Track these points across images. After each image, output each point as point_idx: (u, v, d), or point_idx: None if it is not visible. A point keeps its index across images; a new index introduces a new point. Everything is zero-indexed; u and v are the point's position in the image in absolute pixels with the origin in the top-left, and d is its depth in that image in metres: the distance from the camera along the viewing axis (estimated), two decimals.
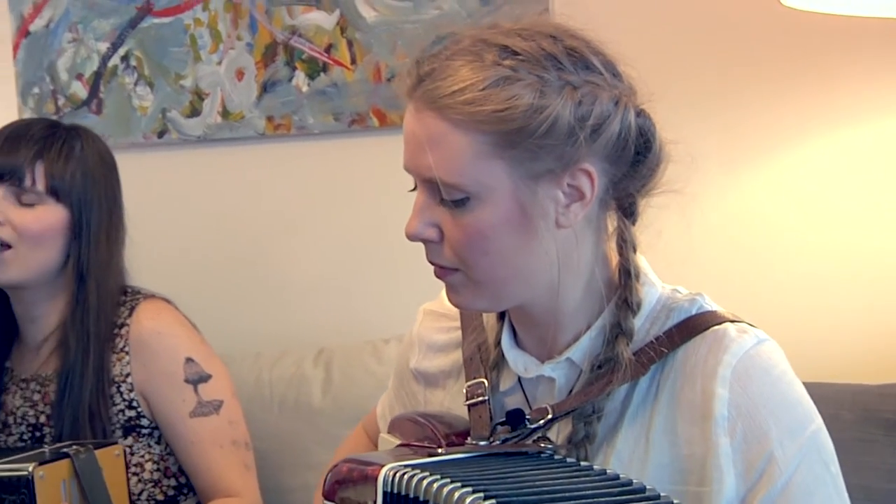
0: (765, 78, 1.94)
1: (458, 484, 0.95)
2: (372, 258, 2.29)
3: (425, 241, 1.13)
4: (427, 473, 0.98)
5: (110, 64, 2.59)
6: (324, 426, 2.00)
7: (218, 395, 1.76)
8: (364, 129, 2.30)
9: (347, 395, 2.01)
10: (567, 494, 0.95)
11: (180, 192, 2.47)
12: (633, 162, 1.11)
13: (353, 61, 2.29)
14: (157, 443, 1.77)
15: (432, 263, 1.15)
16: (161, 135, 2.51)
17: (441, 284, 1.18)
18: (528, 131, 1.05)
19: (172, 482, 1.79)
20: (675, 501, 0.96)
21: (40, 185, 1.71)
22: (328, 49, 2.31)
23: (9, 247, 1.69)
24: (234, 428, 1.77)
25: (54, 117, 2.68)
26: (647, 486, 0.97)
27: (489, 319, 1.24)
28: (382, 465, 1.01)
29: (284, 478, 1.96)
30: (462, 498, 0.93)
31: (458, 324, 1.26)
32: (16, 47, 2.72)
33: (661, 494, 0.96)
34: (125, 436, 1.74)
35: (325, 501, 1.06)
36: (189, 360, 1.75)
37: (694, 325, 1.11)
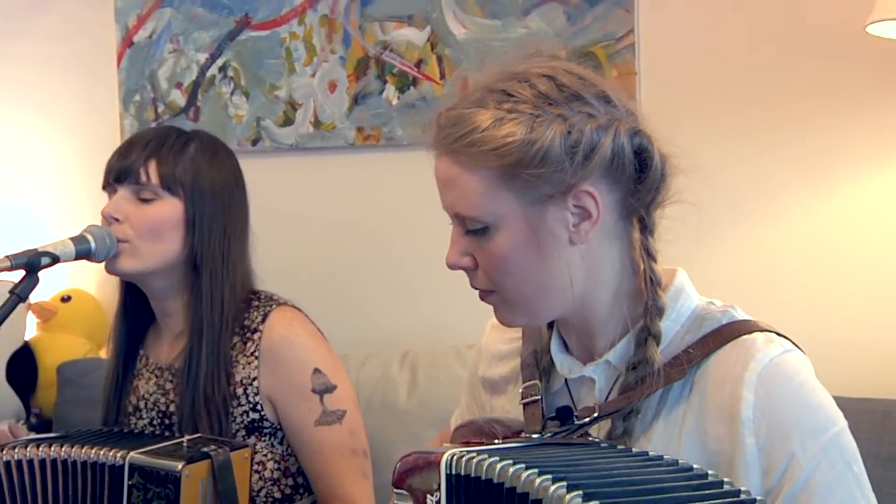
0: (847, 103, 1.98)
1: (522, 465, 1.03)
2: None
3: (462, 269, 1.25)
4: (486, 455, 1.07)
5: (208, 74, 2.72)
6: (409, 426, 2.09)
7: (342, 406, 1.83)
8: None
9: (432, 397, 2.09)
10: (639, 479, 1.03)
11: (272, 197, 2.56)
12: (636, 179, 1.21)
13: (442, 76, 2.38)
14: (280, 443, 1.84)
15: (474, 288, 1.26)
16: (255, 142, 2.63)
17: None
18: (524, 162, 1.17)
19: (290, 482, 1.86)
20: (757, 498, 1.02)
21: (154, 180, 1.80)
22: (418, 64, 2.41)
23: (126, 241, 1.80)
24: (354, 438, 1.84)
25: (154, 124, 2.81)
26: (725, 480, 1.04)
27: (544, 328, 1.34)
28: (444, 452, 1.11)
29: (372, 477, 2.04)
30: (517, 474, 1.02)
31: (520, 334, 1.37)
32: (120, 57, 2.86)
33: (741, 489, 1.03)
34: (248, 435, 1.81)
35: (395, 489, 1.14)
36: (317, 370, 1.82)
37: (725, 334, 1.21)
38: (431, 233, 2.40)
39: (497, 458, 1.06)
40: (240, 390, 1.80)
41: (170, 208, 1.81)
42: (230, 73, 2.68)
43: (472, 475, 1.07)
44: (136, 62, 2.84)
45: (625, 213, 1.22)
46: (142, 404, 1.90)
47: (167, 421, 1.87)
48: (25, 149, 3.09)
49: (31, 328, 2.90)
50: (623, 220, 1.23)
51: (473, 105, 1.20)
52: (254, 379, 1.80)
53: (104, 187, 1.86)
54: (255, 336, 1.81)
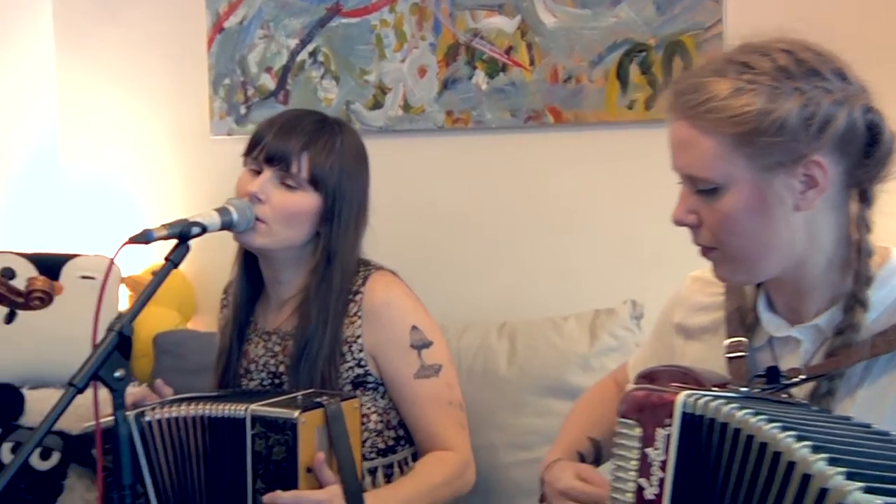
0: None
1: (764, 416, 1.13)
2: (546, 242, 2.49)
3: (687, 226, 1.36)
4: (723, 401, 1.18)
5: (298, 59, 2.84)
6: (509, 393, 2.21)
7: (438, 360, 1.97)
8: (539, 126, 2.50)
9: (531, 366, 2.22)
10: (868, 450, 1.09)
11: None
12: (865, 153, 1.31)
13: (532, 63, 2.49)
14: (382, 397, 1.98)
15: (696, 244, 1.37)
16: None
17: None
18: (760, 131, 1.28)
19: (392, 434, 2.00)
20: None
21: (304, 173, 1.93)
22: (508, 51, 2.52)
23: (263, 222, 1.92)
24: (450, 390, 1.98)
25: (243, 107, 2.94)
26: None
27: (749, 287, 1.45)
28: (677, 392, 1.22)
29: (472, 438, 2.16)
30: (759, 425, 1.12)
31: (722, 289, 1.48)
32: (210, 42, 2.98)
33: None
34: (354, 389, 1.95)
35: (622, 419, 1.25)
36: (414, 327, 1.96)
37: None
38: (518, 211, 2.54)
39: (737, 406, 1.16)
40: (345, 348, 1.94)
41: (310, 201, 1.94)
42: (320, 58, 2.80)
43: (708, 416, 1.18)
44: (225, 47, 2.96)
45: (848, 184, 1.32)
46: (252, 367, 2.04)
47: (276, 381, 2.00)
48: (120, 126, 3.24)
49: (124, 300, 3.04)
50: (845, 191, 1.33)
51: (713, 74, 1.31)
52: (357, 337, 1.94)
53: (247, 154, 1.97)
54: (357, 298, 1.96)
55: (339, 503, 1.74)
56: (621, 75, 2.38)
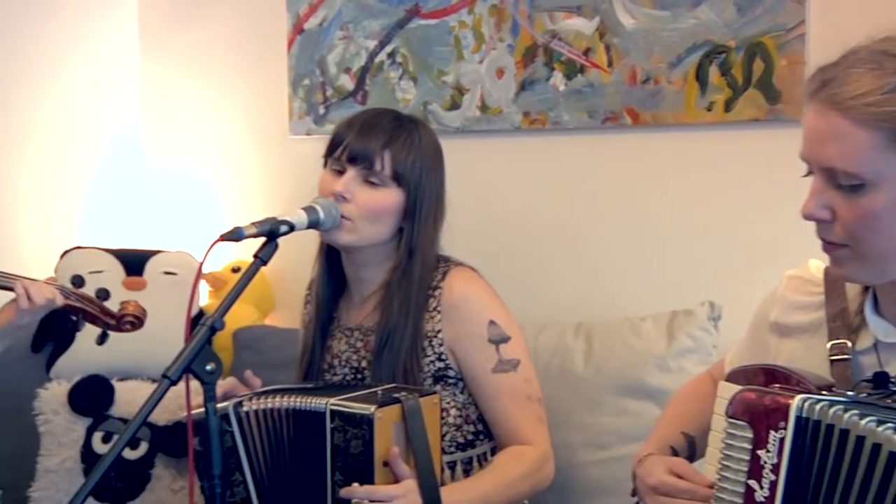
0: None
1: (875, 420, 1.14)
2: (623, 243, 2.51)
3: (818, 220, 1.32)
4: (841, 406, 1.18)
5: (377, 60, 2.88)
6: (585, 392, 2.23)
7: (516, 355, 2.00)
8: (617, 127, 2.51)
9: (608, 365, 2.23)
10: None
11: None
12: None
13: (610, 64, 2.51)
14: (461, 392, 2.01)
15: (822, 239, 1.34)
16: None
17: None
18: None
19: (472, 428, 2.03)
20: None
21: (387, 170, 1.97)
22: (586, 52, 2.54)
23: (349, 219, 1.97)
24: (528, 385, 2.01)
25: (322, 108, 2.99)
26: None
27: (851, 289, 1.43)
28: (794, 396, 1.22)
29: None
30: (888, 434, 1.12)
31: (821, 289, 1.46)
32: (290, 43, 3.04)
33: None
34: (434, 383, 1.99)
35: (730, 419, 1.26)
36: (492, 322, 1.99)
37: None
38: (596, 211, 2.56)
39: (857, 413, 1.16)
40: (426, 342, 1.98)
41: (394, 197, 1.98)
42: (399, 59, 2.84)
43: (827, 422, 1.18)
44: (305, 48, 3.01)
45: None
46: (335, 362, 2.08)
47: (359, 376, 2.04)
48: (203, 123, 3.32)
49: (203, 296, 3.10)
50: None
51: (868, 66, 1.27)
52: (438, 331, 1.98)
53: (329, 154, 2.02)
54: (437, 293, 1.99)
55: (413, 497, 1.77)
56: (700, 77, 2.38)
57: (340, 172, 2.00)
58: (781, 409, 1.22)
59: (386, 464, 1.77)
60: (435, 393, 1.88)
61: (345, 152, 1.99)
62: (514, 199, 2.68)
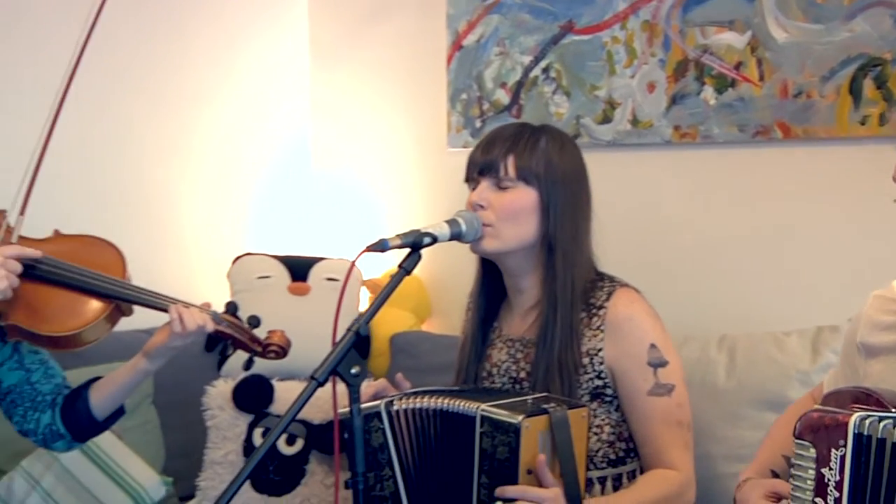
0: None
1: None
2: (770, 257, 2.50)
3: None
4: (890, 421, 1.21)
5: (532, 75, 2.95)
6: (727, 405, 2.24)
7: (671, 380, 2.02)
8: (768, 141, 2.51)
9: (750, 379, 2.24)
10: None
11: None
12: None
13: (761, 78, 2.50)
14: (616, 410, 2.05)
15: None
16: (574, 138, 2.82)
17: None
18: None
19: (623, 446, 2.06)
20: None
21: (512, 173, 2.05)
22: (737, 66, 2.54)
23: (489, 225, 2.05)
24: (680, 410, 2.03)
25: (479, 121, 3.08)
26: None
27: None
28: (851, 414, 1.25)
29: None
30: None
31: None
32: (449, 59, 3.15)
33: None
34: (591, 400, 2.03)
35: (797, 440, 1.30)
36: (653, 346, 2.02)
37: None
38: (744, 225, 2.56)
39: None
40: (586, 359, 2.02)
41: (526, 195, 2.05)
42: (552, 73, 2.90)
43: (879, 437, 1.22)
44: (464, 64, 3.11)
45: None
46: (494, 370, 2.15)
47: (517, 386, 2.10)
48: (367, 135, 3.48)
49: (364, 302, 3.24)
50: None
51: None
52: (599, 350, 2.01)
53: (467, 180, 2.12)
54: (601, 312, 2.03)
55: (560, 503, 1.82)
56: (854, 90, 2.35)
57: (476, 187, 2.08)
58: (840, 428, 1.25)
59: (530, 471, 1.83)
60: (584, 406, 1.92)
61: (475, 168, 2.08)
62: (663, 211, 2.71)
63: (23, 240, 2.01)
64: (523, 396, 1.93)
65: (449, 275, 3.05)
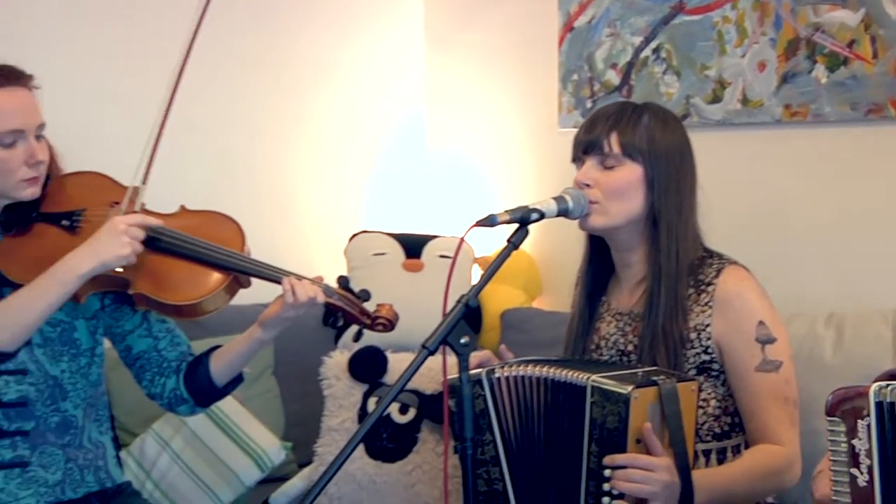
0: None
1: None
2: (880, 236, 2.49)
3: None
4: None
5: (642, 55, 2.98)
6: (833, 381, 2.22)
7: (779, 356, 2.04)
8: (880, 119, 2.49)
9: (857, 356, 2.25)
10: None
11: (699, 170, 2.79)
12: None
13: (875, 56, 2.49)
14: (722, 385, 2.08)
15: None
16: (684, 118, 2.85)
17: None
18: None
19: (728, 420, 2.10)
20: None
21: (616, 149, 2.09)
22: (850, 44, 2.53)
23: (596, 202, 2.10)
24: (788, 387, 2.05)
25: (589, 101, 3.12)
26: None
27: None
28: (872, 384, 1.31)
29: None
30: None
31: None
32: (561, 40, 3.19)
33: None
34: (698, 374, 2.07)
35: (828, 417, 1.34)
36: (761, 322, 2.05)
37: None
38: (854, 204, 2.55)
39: None
40: (693, 334, 2.06)
41: (631, 172, 2.09)
42: (663, 54, 2.93)
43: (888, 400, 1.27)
44: (575, 45, 3.15)
45: None
46: (602, 343, 2.20)
47: (625, 360, 2.15)
48: (480, 115, 3.55)
49: (475, 279, 3.32)
50: None
51: None
52: (706, 325, 2.05)
53: (574, 160, 2.17)
54: (710, 288, 2.06)
55: (671, 472, 1.86)
56: None
57: (581, 166, 2.14)
58: (862, 397, 1.30)
59: (639, 440, 1.88)
60: (694, 380, 1.96)
61: (580, 148, 2.13)
62: (773, 189, 2.71)
63: (149, 212, 2.14)
64: (633, 369, 1.97)
65: (559, 253, 3.10)
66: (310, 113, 3.50)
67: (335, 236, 3.40)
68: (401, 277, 3.14)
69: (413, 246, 3.21)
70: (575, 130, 3.09)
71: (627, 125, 2.11)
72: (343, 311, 2.13)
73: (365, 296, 2.17)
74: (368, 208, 3.62)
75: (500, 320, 3.14)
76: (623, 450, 1.87)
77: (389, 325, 2.16)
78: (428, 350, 1.78)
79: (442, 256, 3.17)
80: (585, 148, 2.13)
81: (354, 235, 3.26)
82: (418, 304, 3.10)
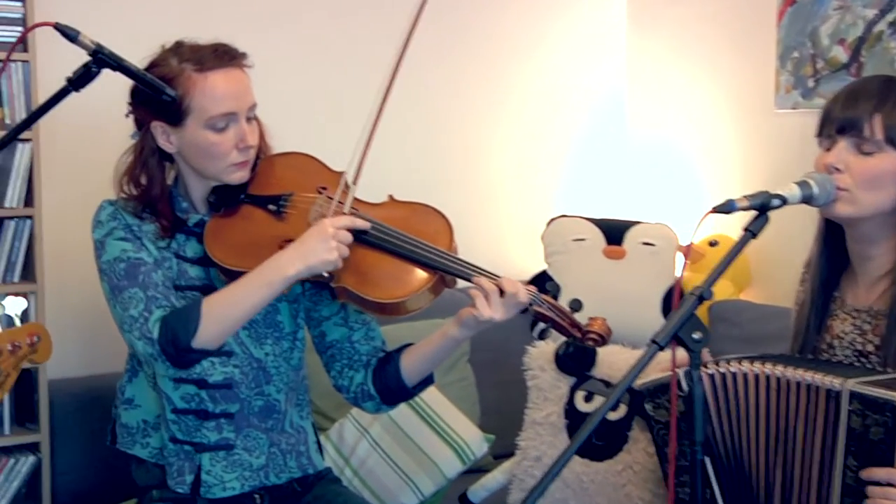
0: None
1: None
2: None
3: None
4: None
5: (875, 29, 2.74)
6: None
7: None
8: None
9: None
10: None
11: None
12: None
13: None
14: None
15: None
16: None
17: None
18: None
19: None
20: None
21: (878, 135, 1.88)
22: None
23: (845, 190, 1.91)
24: None
25: (811, 80, 2.90)
26: None
27: None
28: None
29: None
30: None
31: None
32: (780, 15, 2.98)
33: None
34: None
35: None
36: None
37: None
38: None
39: None
40: None
41: (890, 161, 1.88)
42: None
43: None
44: (796, 21, 2.94)
45: None
46: (836, 342, 2.01)
47: (862, 360, 1.96)
48: (685, 97, 3.38)
49: (678, 268, 3.15)
50: None
51: None
52: None
53: (819, 134, 1.97)
54: None
55: None
56: None
57: (831, 146, 1.94)
58: None
59: None
60: None
61: (832, 124, 1.92)
62: None
63: (358, 203, 2.06)
64: (883, 373, 1.79)
65: (772, 243, 2.89)
66: (509, 91, 3.40)
67: (530, 222, 3.30)
68: (602, 264, 3.01)
69: (614, 232, 3.06)
70: (794, 112, 2.95)
71: (894, 107, 1.90)
72: (552, 321, 1.99)
73: (576, 306, 2.02)
74: (564, 192, 3.50)
75: (707, 313, 2.96)
76: (890, 463, 1.70)
77: (601, 340, 2.00)
78: (658, 345, 1.64)
79: (645, 244, 3.02)
80: (842, 126, 1.92)
81: (553, 220, 3.14)
82: (620, 293, 2.97)
